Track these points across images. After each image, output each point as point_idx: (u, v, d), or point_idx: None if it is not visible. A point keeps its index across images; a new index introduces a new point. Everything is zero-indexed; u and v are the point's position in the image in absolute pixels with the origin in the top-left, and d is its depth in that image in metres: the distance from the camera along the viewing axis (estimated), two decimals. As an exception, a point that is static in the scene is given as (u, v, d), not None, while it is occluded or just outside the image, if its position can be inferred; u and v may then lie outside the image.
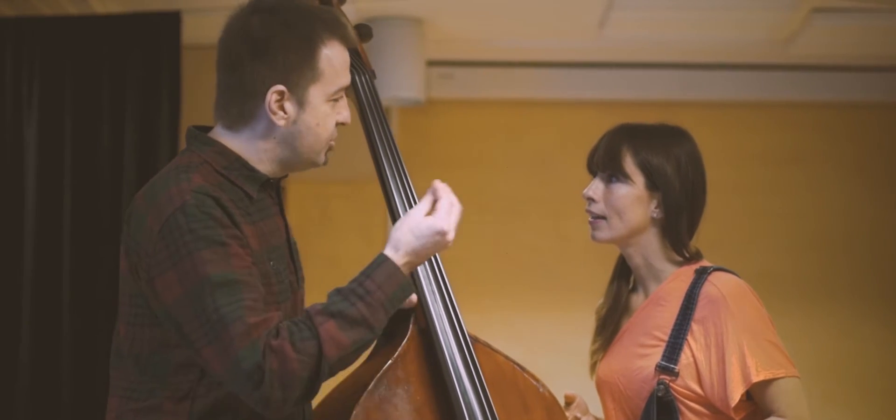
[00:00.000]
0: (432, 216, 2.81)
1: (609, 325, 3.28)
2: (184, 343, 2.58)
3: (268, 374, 2.49)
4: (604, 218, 3.18)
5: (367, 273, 2.71)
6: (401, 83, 6.60)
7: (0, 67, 5.64)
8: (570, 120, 7.50)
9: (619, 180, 3.15)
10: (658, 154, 3.14)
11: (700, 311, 3.09)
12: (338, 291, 2.67)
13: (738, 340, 3.05)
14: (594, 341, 3.33)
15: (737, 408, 3.06)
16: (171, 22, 5.70)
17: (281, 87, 2.67)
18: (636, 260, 3.22)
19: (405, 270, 2.74)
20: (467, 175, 7.69)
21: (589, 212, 3.20)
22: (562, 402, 3.19)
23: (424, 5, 6.41)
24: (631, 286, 3.31)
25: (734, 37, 6.76)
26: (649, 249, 3.20)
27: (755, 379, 3.03)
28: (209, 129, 2.78)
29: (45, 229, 5.62)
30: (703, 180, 3.22)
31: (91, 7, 6.01)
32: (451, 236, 2.83)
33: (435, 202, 2.87)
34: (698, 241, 3.24)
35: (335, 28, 2.76)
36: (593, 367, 3.31)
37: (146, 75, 5.69)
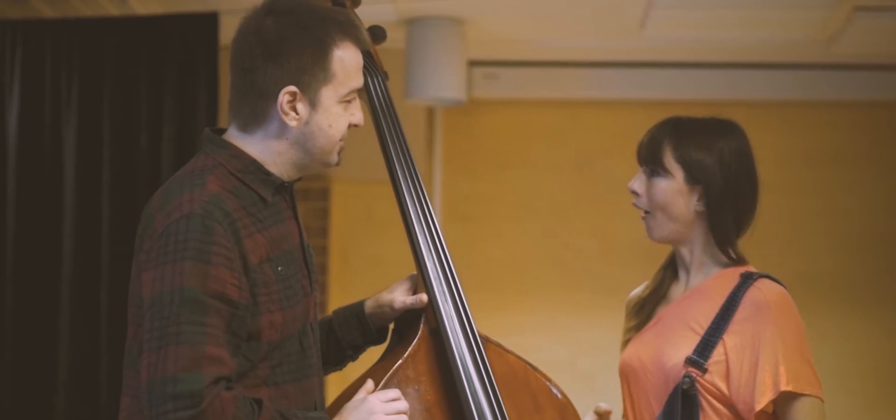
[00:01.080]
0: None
1: (646, 309, 3.28)
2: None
3: (197, 413, 2.49)
4: (650, 213, 3.17)
5: None
6: (442, 83, 6.59)
7: (39, 68, 5.68)
8: (614, 120, 7.49)
9: (659, 174, 3.15)
10: (700, 147, 3.12)
11: (741, 313, 3.07)
12: (291, 415, 2.68)
13: (775, 348, 3.03)
14: (628, 320, 3.32)
15: (758, 416, 3.05)
16: (208, 23, 5.73)
17: (293, 88, 2.68)
18: (683, 252, 3.21)
19: None
20: (511, 175, 7.69)
21: (635, 206, 3.20)
22: (602, 405, 3.18)
23: (465, 5, 6.41)
24: (674, 276, 3.30)
25: (776, 36, 6.70)
26: (697, 244, 3.18)
27: (783, 388, 3.01)
28: (224, 131, 2.80)
29: (84, 229, 5.66)
30: (752, 174, 3.19)
31: (131, 8, 6.06)
32: None
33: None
34: (746, 239, 3.22)
35: (348, 30, 2.77)
36: (625, 344, 3.29)
37: (184, 76, 5.72)
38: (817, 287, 7.39)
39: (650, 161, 3.16)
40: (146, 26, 5.82)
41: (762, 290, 3.09)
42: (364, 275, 7.45)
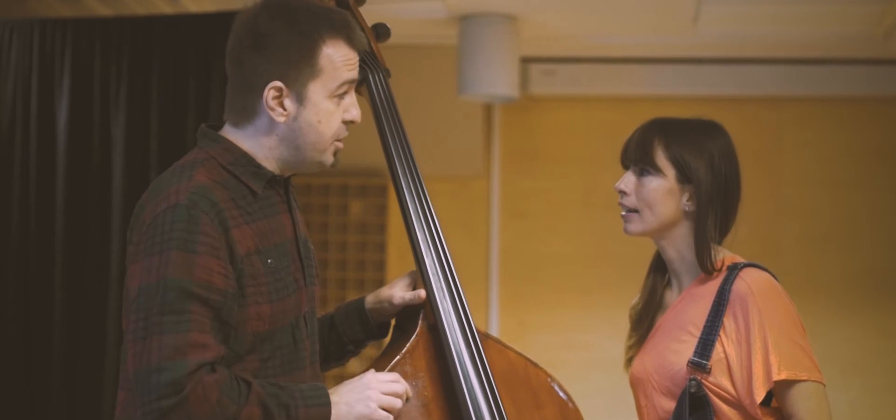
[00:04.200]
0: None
1: (644, 321, 3.26)
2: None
3: (180, 400, 2.52)
4: (636, 211, 3.15)
5: (307, 401, 2.71)
6: (494, 80, 6.61)
7: (89, 66, 5.73)
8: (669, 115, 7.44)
9: (650, 173, 3.13)
10: (690, 147, 3.11)
11: (731, 307, 3.06)
12: (281, 390, 2.68)
13: (763, 337, 3.01)
14: (629, 337, 3.31)
15: (765, 412, 3.03)
16: (256, 20, 5.74)
17: (278, 84, 2.70)
18: (670, 254, 3.19)
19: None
20: (570, 171, 7.69)
21: (621, 205, 3.18)
22: None
23: (518, 3, 6.41)
24: (666, 282, 3.28)
25: (830, 32, 6.65)
26: (683, 244, 3.16)
27: (776, 377, 2.98)
28: (221, 125, 2.83)
29: (132, 227, 5.70)
30: (738, 176, 3.18)
31: (184, 5, 6.12)
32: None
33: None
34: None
35: (340, 27, 2.77)
36: (628, 362, 3.29)
37: (231, 73, 5.74)
38: (864, 283, 7.35)
39: (641, 160, 3.14)
40: (194, 24, 5.85)
41: (746, 280, 3.07)
42: (425, 272, 7.47)
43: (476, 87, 6.62)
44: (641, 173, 3.14)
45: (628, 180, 3.17)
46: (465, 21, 6.58)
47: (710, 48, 7.17)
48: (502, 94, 6.68)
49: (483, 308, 7.59)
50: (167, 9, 6.14)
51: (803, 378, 3.00)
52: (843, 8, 6.31)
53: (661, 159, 3.12)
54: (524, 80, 7.47)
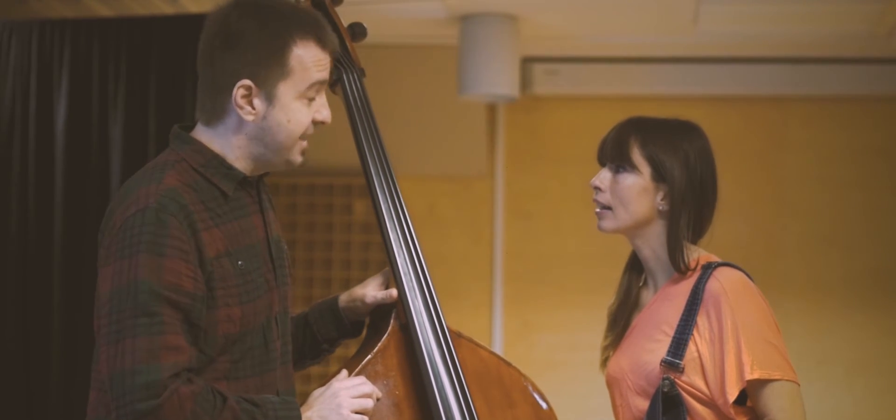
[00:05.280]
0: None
1: (620, 321, 3.27)
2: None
3: (154, 406, 2.54)
4: (610, 208, 3.16)
5: (279, 416, 2.73)
6: (494, 80, 6.61)
7: (87, 66, 5.75)
8: (673, 115, 7.43)
9: (625, 170, 3.14)
10: (666, 146, 3.12)
11: (704, 306, 3.06)
12: (256, 407, 2.69)
13: (736, 336, 3.01)
14: (606, 337, 3.32)
15: (739, 412, 3.03)
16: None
17: (247, 82, 2.71)
18: (645, 253, 3.20)
19: None
20: (574, 170, 7.65)
21: (595, 201, 3.19)
22: None
23: (519, 2, 6.42)
24: (643, 282, 3.29)
25: (832, 31, 6.63)
26: (657, 242, 3.17)
27: (749, 376, 2.99)
28: (193, 126, 2.84)
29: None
30: (713, 177, 3.18)
31: (183, 6, 6.14)
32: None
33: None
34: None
35: (310, 27, 2.78)
36: (604, 362, 3.30)
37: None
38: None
39: (617, 157, 3.15)
40: (192, 24, 5.85)
41: (719, 279, 3.07)
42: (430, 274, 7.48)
43: (476, 87, 6.62)
44: (617, 170, 3.15)
45: (603, 177, 3.18)
46: (466, 21, 6.59)
47: (711, 47, 7.16)
48: (503, 93, 6.68)
49: (487, 308, 7.58)
50: (167, 9, 6.16)
51: (776, 377, 3.01)
52: (845, 7, 6.30)
53: (637, 157, 3.13)
54: (528, 79, 7.46)
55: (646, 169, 3.12)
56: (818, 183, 7.43)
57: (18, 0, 6.13)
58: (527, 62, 7.43)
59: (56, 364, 5.66)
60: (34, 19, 5.85)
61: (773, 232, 7.40)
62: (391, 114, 7.33)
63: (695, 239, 3.17)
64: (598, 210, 3.19)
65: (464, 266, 7.52)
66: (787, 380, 3.02)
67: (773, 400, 3.01)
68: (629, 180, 3.13)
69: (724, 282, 3.07)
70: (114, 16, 6.05)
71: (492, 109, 7.59)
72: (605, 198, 3.17)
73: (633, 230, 3.17)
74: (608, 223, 3.18)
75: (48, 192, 5.74)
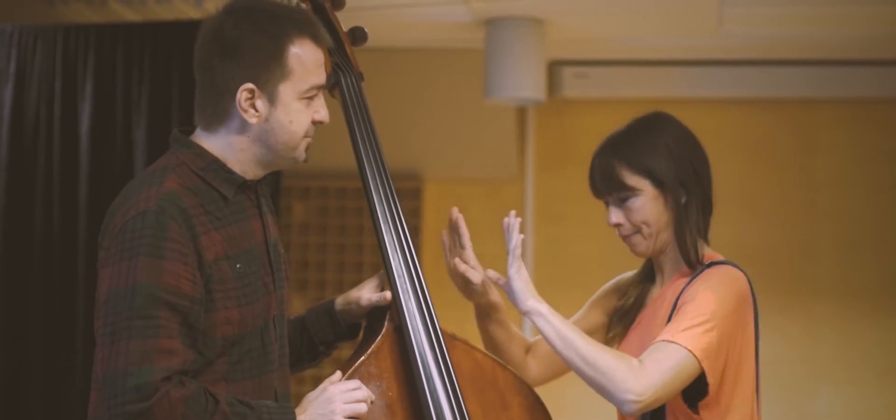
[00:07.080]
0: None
1: (628, 317, 3.29)
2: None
3: (145, 408, 2.56)
4: (636, 233, 3.17)
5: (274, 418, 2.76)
6: (520, 83, 6.61)
7: (111, 71, 5.79)
8: (706, 119, 7.34)
9: (629, 196, 3.15)
10: (647, 151, 3.15)
11: (685, 294, 3.09)
12: (250, 410, 2.71)
13: (684, 309, 3.02)
14: (611, 329, 3.34)
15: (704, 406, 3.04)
16: (274, 25, 5.78)
17: (250, 85, 2.74)
18: (668, 252, 3.20)
19: None
20: (604, 173, 7.65)
21: (620, 234, 3.20)
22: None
23: (544, 6, 6.41)
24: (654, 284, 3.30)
25: (859, 32, 6.59)
26: (670, 243, 3.18)
27: (659, 339, 3.00)
28: (192, 130, 2.87)
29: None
30: (700, 153, 3.20)
31: (207, 11, 6.16)
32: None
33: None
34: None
35: (305, 27, 2.81)
36: None
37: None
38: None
39: (614, 189, 3.16)
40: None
41: (709, 270, 3.09)
42: (457, 276, 7.48)
43: (502, 91, 6.62)
44: (622, 201, 3.16)
45: (616, 213, 3.18)
46: (491, 24, 6.59)
47: (739, 50, 7.13)
48: (529, 97, 6.69)
49: (517, 311, 7.56)
50: (192, 13, 6.19)
51: (677, 341, 2.98)
52: (871, 9, 6.26)
53: (631, 178, 3.14)
54: (557, 83, 7.45)
55: (644, 183, 3.13)
56: (849, 186, 7.38)
57: (44, 5, 6.18)
58: (556, 65, 7.42)
59: (79, 366, 5.70)
60: (59, 24, 5.90)
61: (804, 235, 7.36)
62: (420, 118, 7.35)
63: (706, 221, 3.18)
64: (626, 239, 3.19)
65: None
66: (682, 346, 2.97)
67: (655, 351, 2.99)
68: (637, 203, 3.14)
69: (717, 268, 3.09)
70: (138, 20, 6.08)
71: (521, 112, 7.59)
72: (627, 229, 3.17)
73: (667, 241, 3.17)
74: (643, 247, 3.18)
75: (72, 196, 5.79)
